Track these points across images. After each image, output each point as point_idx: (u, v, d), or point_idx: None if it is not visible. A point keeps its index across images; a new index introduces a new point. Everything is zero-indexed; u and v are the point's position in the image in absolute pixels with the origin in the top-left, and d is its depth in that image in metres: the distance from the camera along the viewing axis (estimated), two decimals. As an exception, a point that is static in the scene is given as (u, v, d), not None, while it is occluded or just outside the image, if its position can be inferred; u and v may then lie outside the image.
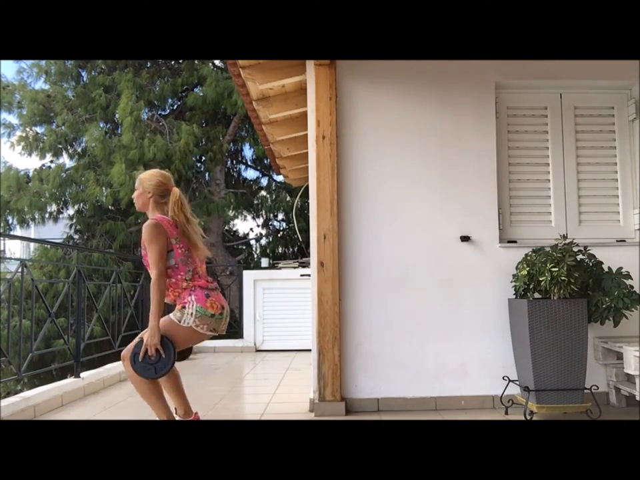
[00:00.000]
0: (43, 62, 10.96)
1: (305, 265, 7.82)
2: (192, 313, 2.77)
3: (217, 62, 11.05)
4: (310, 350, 3.83)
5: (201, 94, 10.66)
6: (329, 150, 3.79)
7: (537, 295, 3.52)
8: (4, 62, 12.28)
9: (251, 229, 13.03)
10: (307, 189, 5.57)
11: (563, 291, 3.32)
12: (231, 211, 11.94)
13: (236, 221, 13.02)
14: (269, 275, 7.91)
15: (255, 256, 12.52)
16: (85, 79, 11.17)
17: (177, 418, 2.98)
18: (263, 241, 12.82)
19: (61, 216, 11.35)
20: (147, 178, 2.98)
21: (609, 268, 3.47)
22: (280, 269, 8.16)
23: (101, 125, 10.69)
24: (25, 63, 10.99)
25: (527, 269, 3.43)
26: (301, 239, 10.39)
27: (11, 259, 12.60)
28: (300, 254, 11.44)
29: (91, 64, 10.92)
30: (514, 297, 3.67)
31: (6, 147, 11.13)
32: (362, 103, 3.90)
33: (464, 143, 3.91)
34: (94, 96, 10.40)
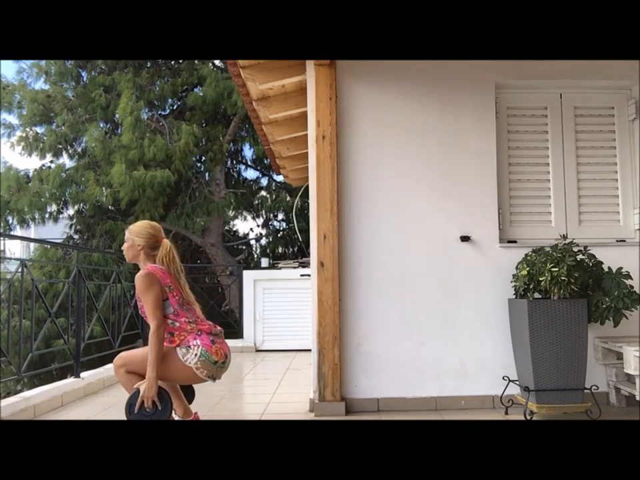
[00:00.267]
0: (43, 62, 10.94)
1: (305, 264, 7.82)
2: (196, 354, 2.76)
3: (217, 62, 11.05)
4: (310, 350, 3.83)
5: (201, 94, 10.65)
6: (328, 150, 3.79)
7: (537, 295, 3.51)
8: (4, 62, 12.29)
9: (251, 229, 13.04)
10: (307, 189, 5.57)
11: (563, 290, 3.32)
12: (231, 211, 11.94)
13: (236, 221, 13.04)
14: (269, 274, 7.91)
15: (255, 256, 12.52)
16: (84, 79, 11.17)
17: (177, 418, 2.98)
18: (263, 241, 12.82)
19: (61, 216, 11.35)
20: (137, 230, 2.95)
21: (609, 268, 3.47)
22: (280, 268, 8.16)
23: (101, 125, 10.68)
24: (25, 63, 10.98)
25: (527, 269, 3.43)
26: (300, 239, 10.39)
27: (11, 259, 12.60)
28: (300, 254, 11.44)
29: (91, 64, 10.91)
30: (514, 297, 3.67)
31: (6, 147, 11.14)
32: (362, 102, 3.90)
33: (464, 143, 3.91)
34: (94, 96, 10.40)
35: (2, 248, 18.84)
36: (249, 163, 12.71)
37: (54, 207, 11.06)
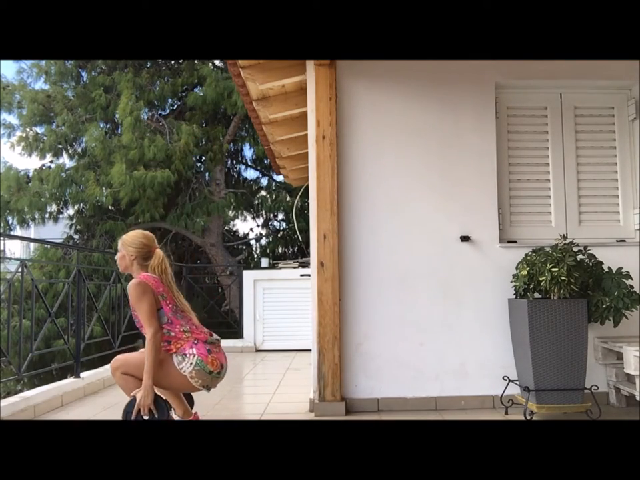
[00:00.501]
0: (43, 62, 10.94)
1: (305, 264, 7.82)
2: (192, 363, 2.75)
3: (217, 62, 11.04)
4: (310, 350, 3.83)
5: (201, 94, 10.65)
6: (328, 150, 3.79)
7: (537, 295, 3.51)
8: (4, 62, 12.28)
9: (251, 229, 13.03)
10: (307, 188, 5.57)
11: (563, 290, 3.32)
12: (231, 211, 11.94)
13: (236, 221, 13.03)
14: (269, 274, 7.91)
15: (255, 256, 12.52)
16: (85, 79, 11.16)
17: (177, 418, 2.98)
18: (263, 241, 12.81)
19: (61, 216, 11.35)
20: (130, 240, 2.95)
21: (609, 268, 3.47)
22: (280, 268, 8.16)
23: (101, 125, 10.68)
24: (25, 63, 10.98)
25: (527, 268, 3.43)
26: (300, 239, 10.39)
27: (11, 259, 12.60)
28: (300, 254, 11.44)
29: (91, 64, 10.91)
30: (514, 297, 3.67)
31: (6, 147, 11.13)
32: (362, 102, 3.90)
33: (464, 143, 3.91)
34: (94, 96, 10.40)
35: (2, 248, 18.84)
36: (249, 163, 12.71)
37: (54, 207, 11.05)
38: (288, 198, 11.86)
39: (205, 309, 8.76)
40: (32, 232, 15.55)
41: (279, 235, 12.56)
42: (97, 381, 4.82)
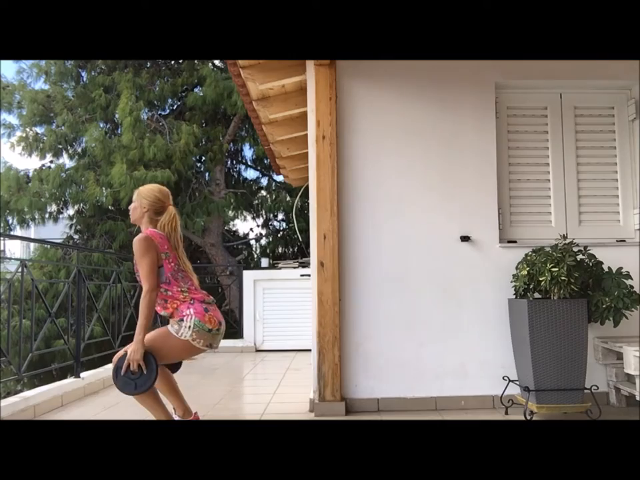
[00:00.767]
0: (43, 62, 10.94)
1: (305, 265, 7.82)
2: (190, 327, 2.75)
3: (216, 62, 11.04)
4: (310, 350, 3.83)
5: (201, 94, 10.65)
6: (328, 150, 3.79)
7: (537, 295, 3.52)
8: (4, 62, 12.29)
9: (251, 229, 13.04)
10: (307, 188, 5.57)
11: (563, 291, 3.32)
12: (230, 211, 11.93)
13: (236, 221, 13.04)
14: (269, 275, 7.91)
15: (255, 256, 12.52)
16: (84, 79, 11.16)
17: (177, 418, 2.98)
18: (263, 241, 12.82)
19: (61, 216, 11.35)
20: (145, 193, 2.98)
21: (609, 268, 3.47)
22: (280, 268, 8.16)
23: (101, 125, 10.68)
24: (25, 63, 10.98)
25: (527, 268, 3.43)
26: (300, 239, 10.38)
27: (11, 259, 12.59)
28: (300, 254, 11.44)
29: (91, 64, 10.91)
30: (514, 297, 3.67)
31: (6, 147, 11.14)
32: (362, 103, 3.90)
33: (464, 143, 3.91)
34: (94, 96, 10.40)
35: (2, 248, 18.85)
36: (249, 163, 12.71)
37: (54, 207, 11.05)
38: (288, 198, 11.85)
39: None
40: (32, 232, 15.56)
41: (278, 235, 12.57)
42: (97, 381, 4.82)
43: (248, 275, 7.82)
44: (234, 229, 13.25)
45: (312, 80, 3.85)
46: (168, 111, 11.50)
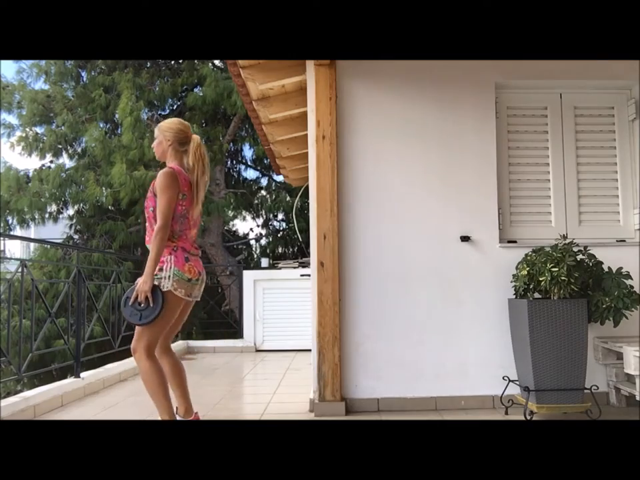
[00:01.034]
0: (43, 62, 10.94)
1: (305, 265, 7.82)
2: (169, 276, 2.78)
3: (217, 62, 11.05)
4: (310, 350, 3.83)
5: (201, 94, 10.65)
6: (328, 150, 3.79)
7: (537, 295, 3.52)
8: (4, 62, 12.28)
9: (251, 229, 13.04)
10: (307, 188, 5.57)
11: (563, 291, 3.32)
12: (230, 211, 11.94)
13: (236, 221, 13.04)
14: (269, 275, 7.91)
15: (255, 256, 12.52)
16: (84, 79, 11.17)
17: (177, 417, 2.98)
18: (263, 241, 12.82)
19: (61, 216, 11.35)
20: (167, 126, 2.96)
21: (609, 268, 3.47)
22: (280, 269, 8.15)
23: (101, 125, 10.68)
24: (25, 63, 10.98)
25: (527, 269, 3.43)
26: (300, 239, 10.39)
27: (11, 259, 12.59)
28: (300, 254, 11.44)
29: (91, 64, 10.91)
30: (514, 297, 3.67)
31: (6, 147, 11.14)
32: (362, 102, 3.90)
33: (464, 143, 3.91)
34: (94, 96, 10.40)
35: (2, 248, 18.85)
36: (249, 163, 12.71)
37: (54, 207, 11.06)
38: (288, 198, 11.86)
39: (205, 309, 8.76)
40: (32, 232, 15.55)
41: (278, 235, 12.57)
42: (97, 381, 4.82)
43: (248, 275, 7.82)
44: (234, 229, 13.26)
45: (312, 80, 3.85)
46: (168, 111, 11.50)
